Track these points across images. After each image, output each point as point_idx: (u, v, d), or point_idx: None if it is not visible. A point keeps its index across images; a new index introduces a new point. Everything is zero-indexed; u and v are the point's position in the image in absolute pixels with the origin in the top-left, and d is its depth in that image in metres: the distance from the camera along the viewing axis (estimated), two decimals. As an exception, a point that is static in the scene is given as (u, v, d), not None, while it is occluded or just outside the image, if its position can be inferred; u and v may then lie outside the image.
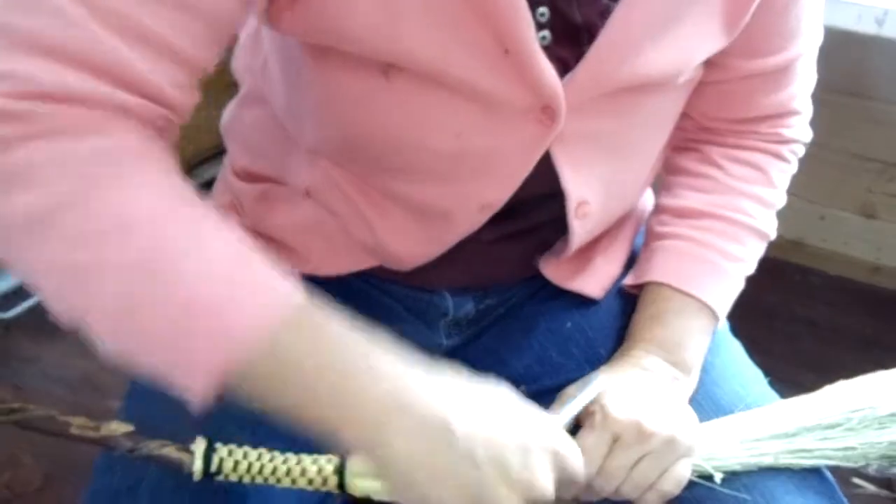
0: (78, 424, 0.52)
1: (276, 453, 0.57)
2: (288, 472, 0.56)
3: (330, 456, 0.55)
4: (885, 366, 0.68)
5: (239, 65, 0.74)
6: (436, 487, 0.47)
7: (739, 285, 0.71)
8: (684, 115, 0.71)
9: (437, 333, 0.76)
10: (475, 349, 0.75)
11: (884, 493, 0.74)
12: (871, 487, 0.74)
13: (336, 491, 0.56)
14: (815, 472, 0.65)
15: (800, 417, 0.64)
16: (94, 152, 0.45)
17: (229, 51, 0.70)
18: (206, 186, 0.83)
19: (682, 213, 0.72)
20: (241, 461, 0.55)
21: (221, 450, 0.56)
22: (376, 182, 0.65)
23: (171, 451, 0.57)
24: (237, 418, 0.55)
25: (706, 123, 0.73)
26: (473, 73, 0.56)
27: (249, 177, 0.74)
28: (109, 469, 0.61)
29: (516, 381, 0.69)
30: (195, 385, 0.45)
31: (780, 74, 0.69)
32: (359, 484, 0.55)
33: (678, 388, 0.65)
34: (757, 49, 0.67)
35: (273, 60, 0.66)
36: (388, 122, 0.59)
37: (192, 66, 0.49)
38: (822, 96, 0.75)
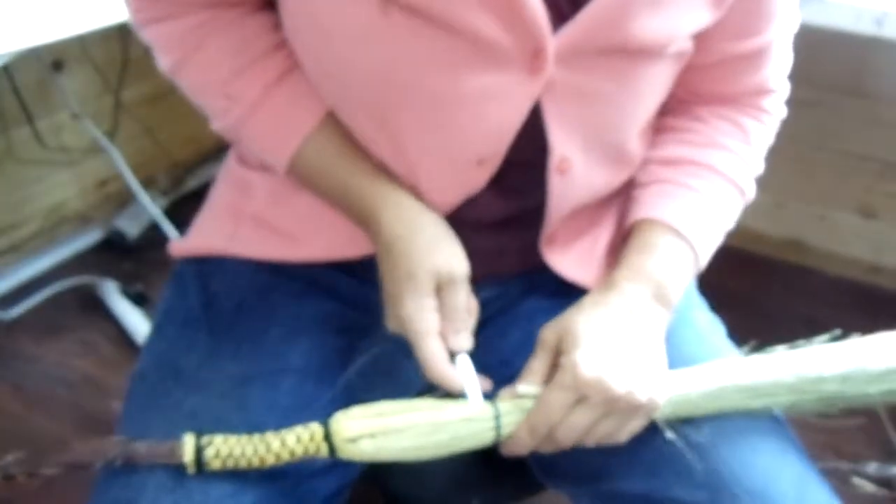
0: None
1: (262, 435, 0.59)
2: (278, 452, 0.59)
3: (311, 426, 0.59)
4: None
5: None
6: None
7: (719, 236, 0.74)
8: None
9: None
10: (478, 345, 0.75)
11: (884, 492, 0.74)
12: (871, 487, 0.74)
13: (327, 456, 0.59)
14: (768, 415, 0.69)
15: (761, 371, 0.68)
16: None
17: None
18: (206, 187, 0.83)
19: (667, 162, 0.75)
20: (233, 447, 0.59)
21: (211, 440, 0.59)
22: (372, 130, 0.67)
23: (161, 448, 0.59)
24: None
25: (689, 97, 0.77)
26: (463, 11, 0.58)
27: (263, 166, 0.76)
28: (106, 487, 0.62)
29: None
30: (277, 165, 0.70)
31: (758, 57, 0.73)
32: (347, 446, 0.58)
33: (656, 322, 0.67)
34: (736, 31, 0.70)
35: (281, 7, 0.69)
36: (385, 59, 0.62)
37: None
38: (822, 96, 0.75)
